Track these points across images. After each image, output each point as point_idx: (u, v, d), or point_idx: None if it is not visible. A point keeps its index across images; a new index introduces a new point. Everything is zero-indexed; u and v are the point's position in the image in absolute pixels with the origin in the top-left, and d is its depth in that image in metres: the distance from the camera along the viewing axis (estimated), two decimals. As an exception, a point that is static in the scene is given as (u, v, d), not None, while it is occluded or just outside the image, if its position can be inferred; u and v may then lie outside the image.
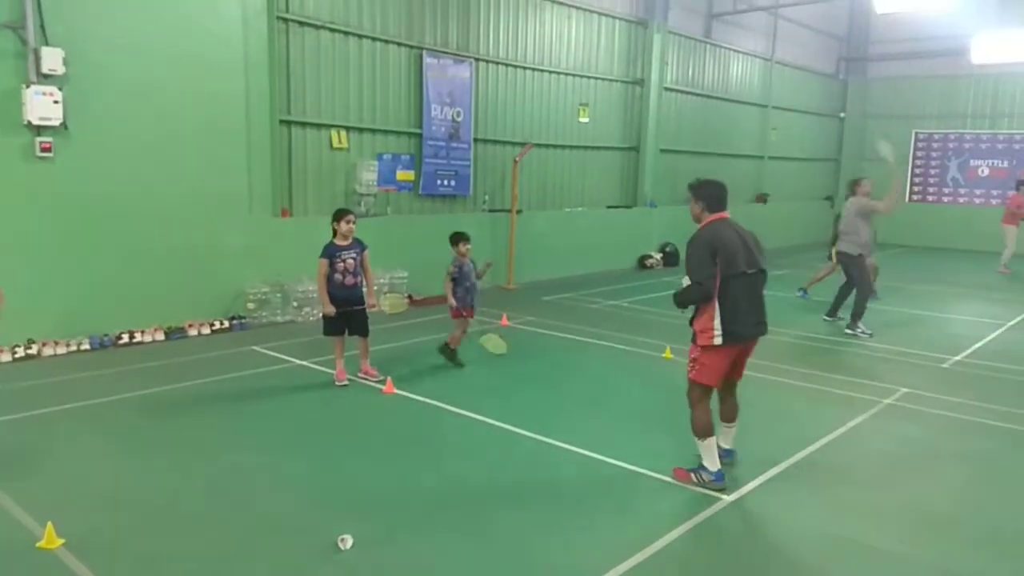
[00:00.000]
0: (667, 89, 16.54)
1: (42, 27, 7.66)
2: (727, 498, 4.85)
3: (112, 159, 8.27)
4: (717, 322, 4.78)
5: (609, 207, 15.74)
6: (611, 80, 15.39)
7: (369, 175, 10.95)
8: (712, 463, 4.96)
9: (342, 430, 6.15)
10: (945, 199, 21.86)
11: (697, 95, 17.68)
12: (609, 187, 15.88)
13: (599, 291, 12.82)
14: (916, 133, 22.03)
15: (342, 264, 7.03)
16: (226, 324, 9.24)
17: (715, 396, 5.17)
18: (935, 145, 21.88)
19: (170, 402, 6.57)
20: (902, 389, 7.40)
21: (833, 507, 4.83)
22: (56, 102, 7.69)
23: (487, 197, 13.16)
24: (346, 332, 7.19)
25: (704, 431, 4.95)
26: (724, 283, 4.77)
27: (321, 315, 7.20)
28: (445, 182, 12.39)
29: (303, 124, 10.50)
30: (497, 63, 13.09)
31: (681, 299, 4.97)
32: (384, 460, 5.45)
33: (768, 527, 4.60)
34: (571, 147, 14.81)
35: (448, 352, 7.94)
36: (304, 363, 7.89)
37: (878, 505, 4.87)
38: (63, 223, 8.02)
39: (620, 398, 7.09)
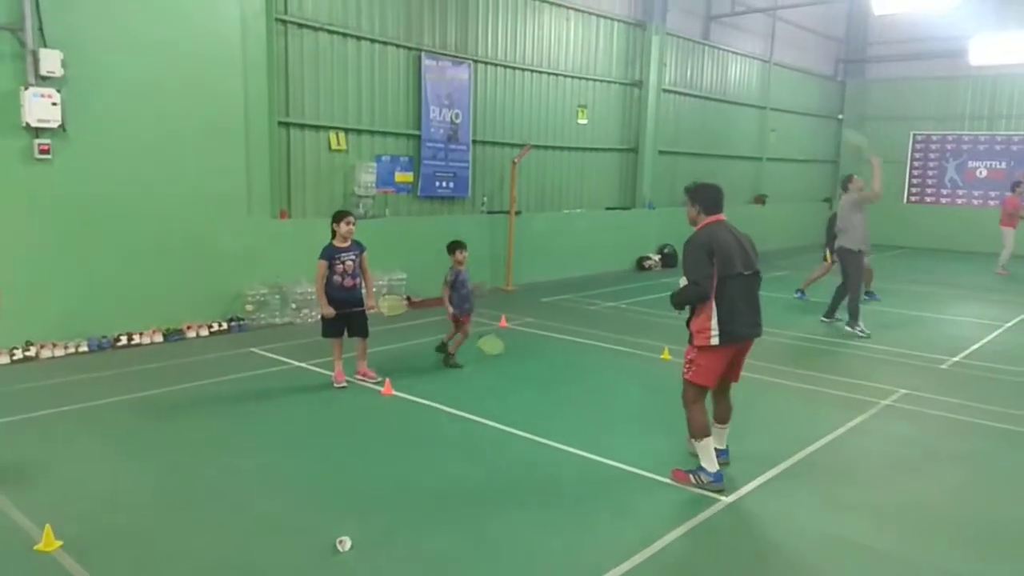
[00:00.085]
0: (665, 91, 16.56)
1: (40, 29, 7.66)
2: (725, 499, 4.85)
3: (111, 161, 8.28)
4: (714, 322, 4.82)
5: (608, 208, 15.76)
6: (609, 82, 15.41)
7: (368, 177, 10.95)
8: (710, 464, 4.96)
9: (340, 432, 6.15)
10: (943, 200, 21.89)
11: (695, 97, 17.70)
12: (608, 189, 15.89)
13: (598, 292, 12.82)
14: (914, 134, 22.06)
15: (341, 266, 7.03)
16: (225, 326, 9.24)
17: (709, 396, 5.18)
18: (933, 146, 21.91)
19: (168, 404, 6.57)
20: (900, 390, 7.40)
21: (832, 508, 4.84)
22: (54, 104, 7.69)
23: (485, 199, 13.16)
24: (345, 334, 7.19)
25: (701, 432, 4.98)
26: (721, 284, 4.82)
27: (320, 316, 7.20)
28: (444, 184, 12.39)
29: (302, 126, 10.50)
30: (496, 65, 13.10)
31: (678, 299, 5.01)
32: (382, 461, 5.45)
33: (767, 528, 4.60)
34: (570, 149, 14.82)
35: (447, 353, 8.00)
36: (303, 365, 7.89)
37: (877, 506, 4.88)
38: (61, 225, 8.02)
39: (619, 399, 7.09)
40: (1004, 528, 4.66)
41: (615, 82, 15.53)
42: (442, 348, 8.19)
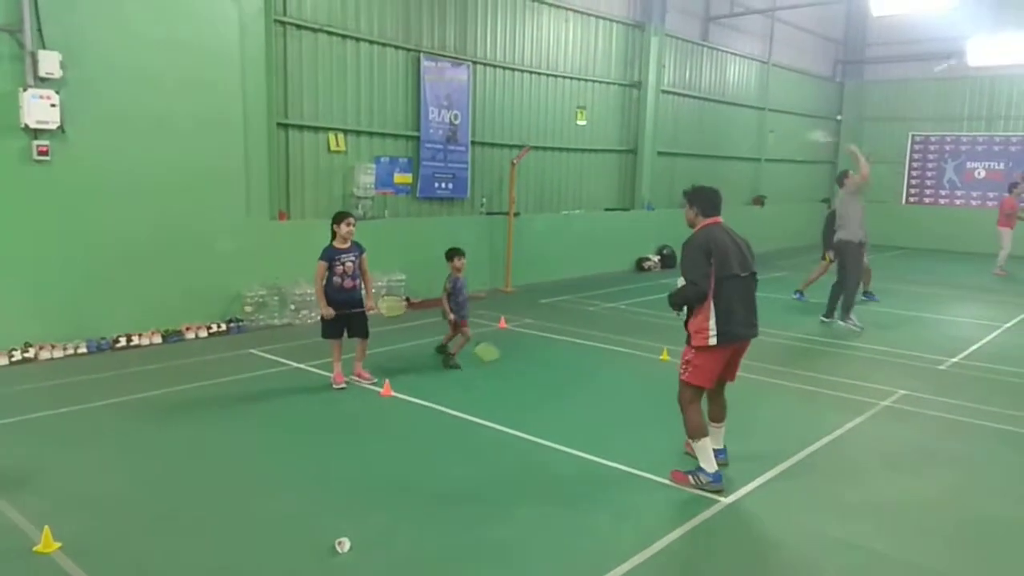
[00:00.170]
0: (664, 92, 16.57)
1: (39, 30, 7.66)
2: (725, 500, 4.86)
3: (109, 162, 8.27)
4: (712, 322, 4.86)
5: (607, 209, 15.76)
6: (608, 83, 15.41)
7: (367, 178, 10.95)
8: (709, 464, 4.97)
9: (339, 433, 6.15)
10: (942, 201, 21.92)
11: (694, 98, 17.72)
12: (606, 190, 15.90)
13: (597, 293, 12.82)
14: (913, 135, 22.09)
15: (341, 267, 7.03)
16: (223, 327, 9.24)
17: (704, 396, 5.20)
18: (932, 147, 21.94)
19: (167, 405, 6.57)
20: (900, 391, 7.41)
21: (831, 509, 4.84)
22: (53, 105, 7.69)
23: (484, 200, 13.17)
24: (344, 335, 7.19)
25: (698, 432, 5.01)
26: (718, 284, 4.87)
27: (319, 317, 7.20)
28: (443, 185, 12.39)
29: (300, 127, 10.50)
30: (495, 66, 13.11)
31: (677, 300, 5.05)
32: (381, 462, 5.45)
33: (766, 529, 4.60)
34: (568, 150, 14.83)
35: (446, 354, 8.03)
36: (301, 366, 7.88)
37: (876, 507, 4.88)
38: (60, 226, 8.01)
39: (618, 400, 7.09)
40: (1003, 529, 4.66)
41: (614, 83, 15.54)
42: (442, 349, 8.20)
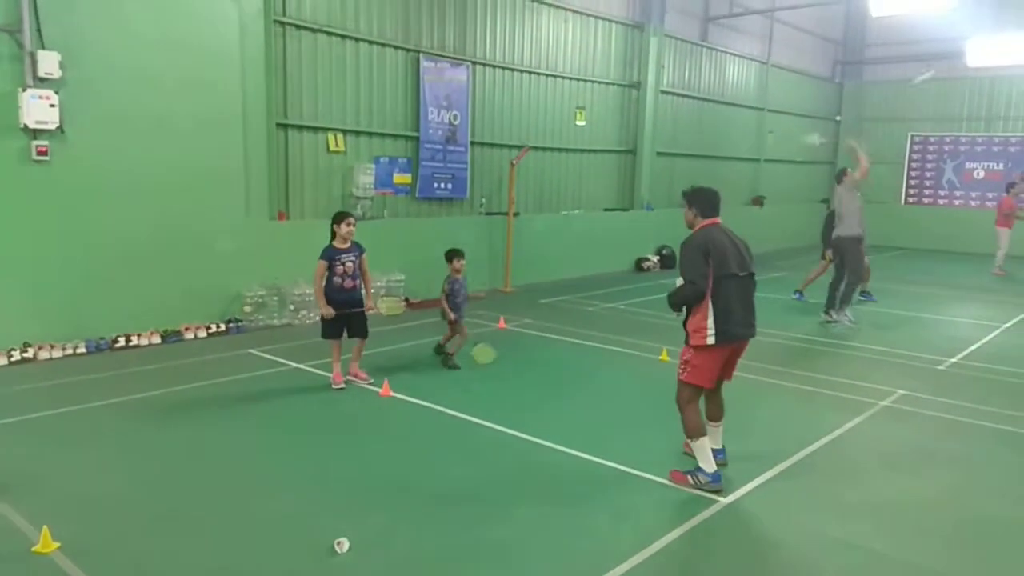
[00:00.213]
0: (663, 92, 16.57)
1: (38, 30, 7.66)
2: (724, 500, 4.86)
3: (109, 162, 8.27)
4: (710, 321, 4.89)
5: (606, 210, 15.77)
6: (608, 83, 15.42)
7: (366, 178, 10.95)
8: (708, 464, 4.98)
9: (338, 433, 6.15)
10: (941, 201, 21.93)
11: (693, 98, 17.72)
12: (606, 190, 15.90)
13: (596, 294, 12.83)
14: (912, 136, 22.10)
15: (341, 267, 7.03)
16: (222, 327, 9.24)
17: (702, 395, 5.21)
18: (931, 148, 21.95)
19: (166, 405, 6.56)
20: (899, 391, 7.41)
21: (830, 509, 4.84)
22: (52, 106, 7.69)
23: (484, 200, 13.17)
24: (344, 335, 7.19)
25: (697, 431, 5.02)
26: (716, 284, 4.89)
27: (319, 317, 7.20)
28: (442, 185, 12.39)
29: (300, 127, 10.50)
30: (494, 66, 13.11)
31: (675, 299, 5.07)
32: (380, 462, 5.45)
33: (765, 529, 4.60)
34: (568, 150, 14.83)
35: (445, 354, 8.04)
36: (301, 366, 7.88)
37: (875, 507, 4.88)
38: (59, 226, 8.01)
39: (617, 400, 7.09)
40: (1002, 529, 4.67)
41: (613, 84, 15.55)
42: (440, 350, 8.20)
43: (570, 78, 14.58)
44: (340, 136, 10.94)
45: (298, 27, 10.29)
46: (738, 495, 4.95)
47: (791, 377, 7.85)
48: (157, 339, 8.68)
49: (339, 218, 7.11)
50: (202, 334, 9.03)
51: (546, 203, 14.54)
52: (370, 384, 7.19)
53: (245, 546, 4.20)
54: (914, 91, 21.66)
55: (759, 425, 6.37)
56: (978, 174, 21.25)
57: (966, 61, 18.33)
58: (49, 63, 7.64)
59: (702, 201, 5.15)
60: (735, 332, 4.97)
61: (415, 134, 11.91)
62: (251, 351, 8.48)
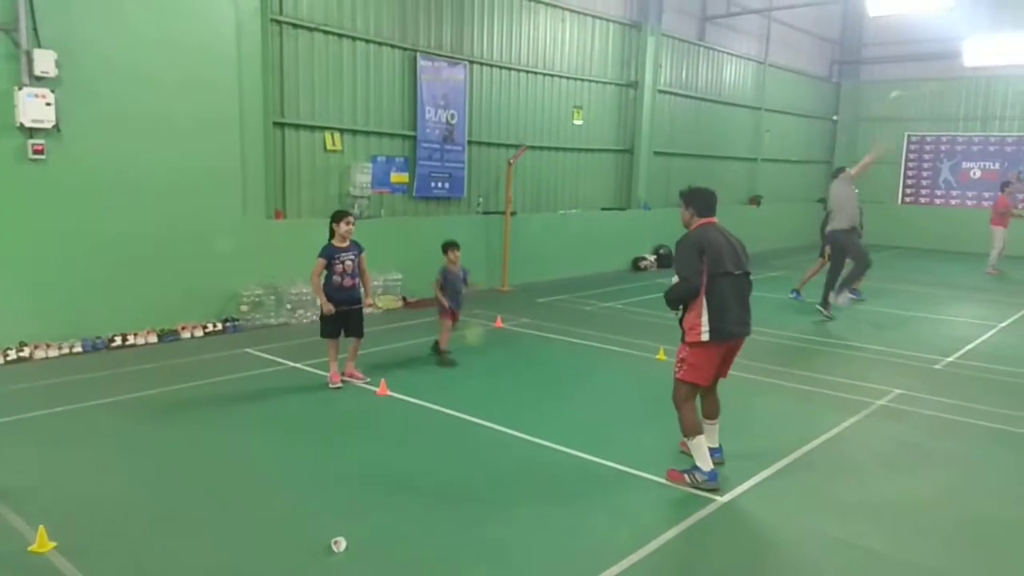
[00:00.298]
0: (661, 92, 16.58)
1: (35, 29, 7.64)
2: (720, 499, 4.86)
3: (105, 161, 8.25)
4: (705, 318, 4.92)
5: (603, 209, 15.77)
6: (605, 83, 15.42)
7: (363, 177, 10.94)
8: (705, 463, 4.99)
9: (335, 432, 6.14)
10: (937, 201, 21.97)
11: (691, 98, 17.73)
12: (603, 189, 15.91)
13: (593, 293, 12.83)
14: (908, 135, 22.14)
15: (341, 266, 7.02)
16: (219, 326, 9.22)
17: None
18: (927, 147, 21.99)
19: (163, 405, 6.55)
20: (895, 390, 7.42)
21: (827, 508, 4.85)
22: (48, 104, 7.67)
23: (481, 199, 13.16)
24: (342, 334, 7.19)
25: (693, 430, 5.04)
26: (711, 281, 4.93)
27: (318, 317, 7.19)
28: (439, 184, 12.39)
29: (297, 126, 10.49)
30: (491, 65, 13.11)
31: (671, 296, 5.11)
32: (378, 462, 5.45)
33: (762, 527, 4.60)
34: (565, 149, 14.83)
35: (439, 353, 8.07)
36: (298, 365, 7.87)
37: (873, 506, 4.89)
38: (55, 225, 7.99)
39: (614, 399, 7.10)
40: (1000, 528, 4.68)
41: (611, 83, 15.55)
42: (436, 350, 8.21)
43: (567, 77, 14.58)
44: (337, 135, 10.93)
45: (295, 26, 10.27)
46: (735, 494, 4.95)
47: (788, 376, 7.86)
48: (154, 338, 8.67)
49: (338, 216, 7.10)
50: (199, 333, 9.01)
51: (543, 202, 14.54)
52: (367, 383, 7.19)
53: (242, 545, 4.20)
54: (911, 91, 21.75)
55: (756, 424, 6.38)
56: (974, 174, 21.29)
57: (963, 61, 18.36)
58: (45, 62, 7.62)
59: (699, 201, 5.20)
60: (730, 330, 4.98)
61: (412, 133, 11.90)
62: (248, 350, 8.47)
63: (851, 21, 22.54)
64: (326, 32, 10.62)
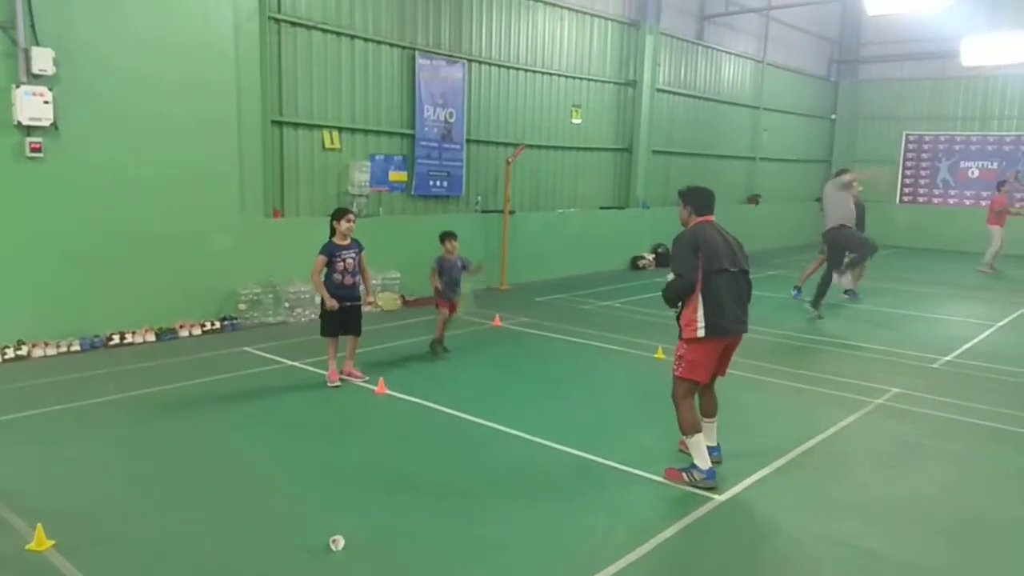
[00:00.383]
0: (659, 90, 16.58)
1: (32, 27, 7.63)
2: (718, 497, 4.87)
3: (103, 159, 8.24)
4: (700, 315, 4.95)
5: (602, 208, 15.77)
6: (603, 81, 15.42)
7: (361, 176, 10.93)
8: (703, 461, 5.00)
9: (334, 431, 6.14)
10: (935, 200, 21.99)
11: (689, 96, 17.74)
12: (602, 188, 15.91)
13: (592, 292, 12.83)
14: (907, 135, 22.15)
15: (342, 264, 7.02)
16: (217, 325, 9.22)
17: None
18: (925, 147, 22.01)
19: (161, 403, 6.55)
20: (893, 389, 7.43)
21: (825, 506, 4.85)
22: (46, 102, 7.66)
23: (479, 198, 13.16)
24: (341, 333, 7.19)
25: (692, 428, 5.04)
26: (707, 278, 4.96)
27: (319, 315, 7.19)
28: (437, 183, 12.38)
29: (295, 125, 10.48)
30: (490, 64, 13.10)
31: (667, 293, 5.14)
32: (376, 460, 5.45)
33: (759, 526, 4.61)
34: (564, 148, 14.83)
35: (433, 343, 8.18)
36: (296, 364, 7.87)
37: (870, 504, 4.89)
38: (53, 223, 7.98)
39: (612, 398, 7.10)
40: (998, 527, 4.68)
41: (609, 82, 15.55)
42: (433, 348, 8.23)
43: (566, 76, 14.58)
44: (335, 133, 10.92)
45: (293, 24, 10.26)
46: (733, 492, 4.96)
47: (786, 375, 7.86)
48: (152, 337, 8.66)
49: (339, 214, 7.10)
50: (197, 332, 9.01)
51: (542, 201, 14.54)
52: (365, 382, 7.19)
53: (240, 544, 4.20)
54: (909, 90, 21.80)
55: (754, 422, 6.39)
56: (972, 173, 21.31)
57: (961, 60, 18.37)
58: (43, 60, 7.61)
59: (697, 200, 5.24)
60: (726, 326, 5.00)
61: (411, 132, 11.90)
62: (246, 349, 8.46)
63: (849, 20, 22.55)
64: (324, 30, 10.61)
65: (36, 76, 7.65)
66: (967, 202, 21.39)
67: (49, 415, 6.18)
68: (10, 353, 7.69)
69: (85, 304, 8.24)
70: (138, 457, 5.40)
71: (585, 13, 14.76)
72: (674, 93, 17.23)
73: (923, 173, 22.11)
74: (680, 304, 5.10)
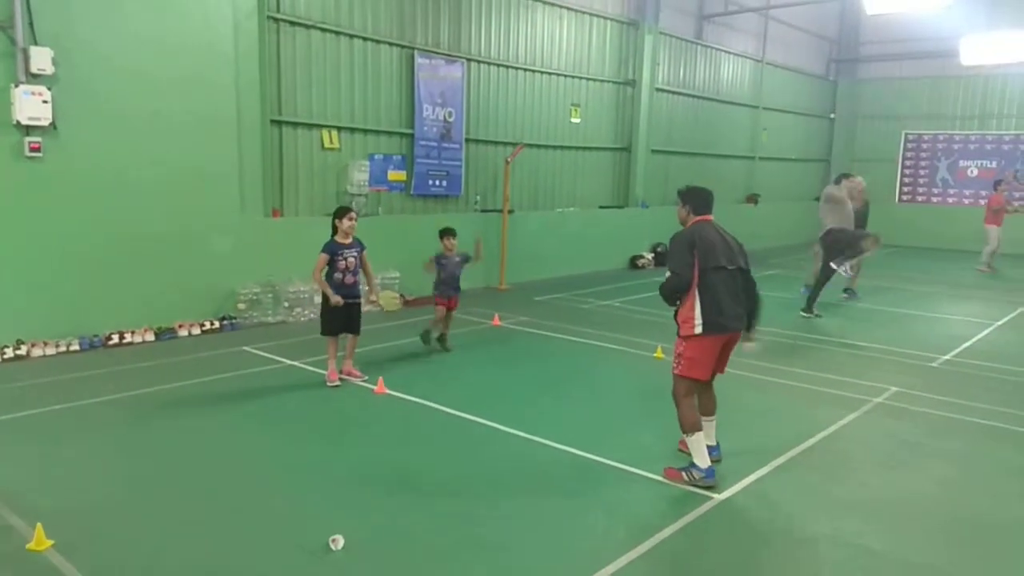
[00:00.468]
0: (658, 90, 16.58)
1: (31, 26, 7.62)
2: (718, 496, 4.87)
3: (102, 159, 8.24)
4: (697, 311, 4.98)
5: (601, 207, 15.77)
6: (603, 81, 15.42)
7: (360, 175, 10.93)
8: (702, 460, 5.00)
9: (333, 430, 6.14)
10: (935, 199, 22.00)
11: (688, 96, 17.74)
12: (601, 187, 15.91)
13: (591, 291, 12.83)
14: (906, 134, 22.16)
15: (343, 263, 7.02)
16: (216, 324, 9.21)
17: None
18: (924, 146, 22.01)
19: (160, 403, 6.54)
20: (893, 388, 7.44)
21: (824, 505, 4.86)
22: (45, 102, 7.66)
23: (479, 197, 13.16)
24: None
25: (692, 427, 5.05)
26: (703, 275, 4.98)
27: (319, 314, 7.18)
28: (437, 182, 12.38)
29: (294, 124, 10.48)
30: (489, 63, 13.10)
31: (664, 290, 5.17)
32: (375, 460, 5.45)
33: (759, 525, 4.61)
34: (563, 147, 14.83)
35: (429, 336, 8.30)
36: (295, 363, 7.87)
37: (870, 503, 4.90)
38: (52, 223, 7.97)
39: (612, 398, 7.10)
40: (997, 526, 4.69)
41: (608, 81, 15.55)
42: (440, 340, 8.25)
43: (565, 75, 14.58)
44: (335, 133, 10.92)
45: (292, 23, 10.26)
46: (732, 491, 4.96)
47: (785, 373, 7.87)
48: (151, 336, 8.66)
49: (341, 213, 7.10)
50: (196, 331, 9.01)
51: (541, 200, 14.54)
52: (364, 381, 7.19)
53: (240, 543, 4.20)
54: (908, 89, 21.80)
55: (753, 421, 6.39)
56: (971, 172, 21.32)
57: (960, 59, 18.38)
58: (42, 59, 7.61)
59: (695, 199, 5.28)
60: (724, 323, 5.02)
61: (410, 131, 11.89)
62: (245, 348, 8.46)
63: (849, 19, 22.55)
64: (323, 30, 10.61)
65: (35, 75, 7.64)
66: (966, 201, 21.39)
67: (48, 415, 6.18)
68: (9, 353, 7.69)
69: (84, 304, 8.24)
70: (137, 457, 5.40)
71: (584, 12, 14.76)
72: (673, 92, 17.23)
73: (922, 172, 22.12)
74: (678, 302, 5.12)
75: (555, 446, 5.68)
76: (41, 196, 7.87)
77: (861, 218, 12.15)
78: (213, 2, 8.98)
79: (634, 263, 15.95)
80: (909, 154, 22.25)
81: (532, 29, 13.81)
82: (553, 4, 14.08)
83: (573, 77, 14.76)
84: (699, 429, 5.05)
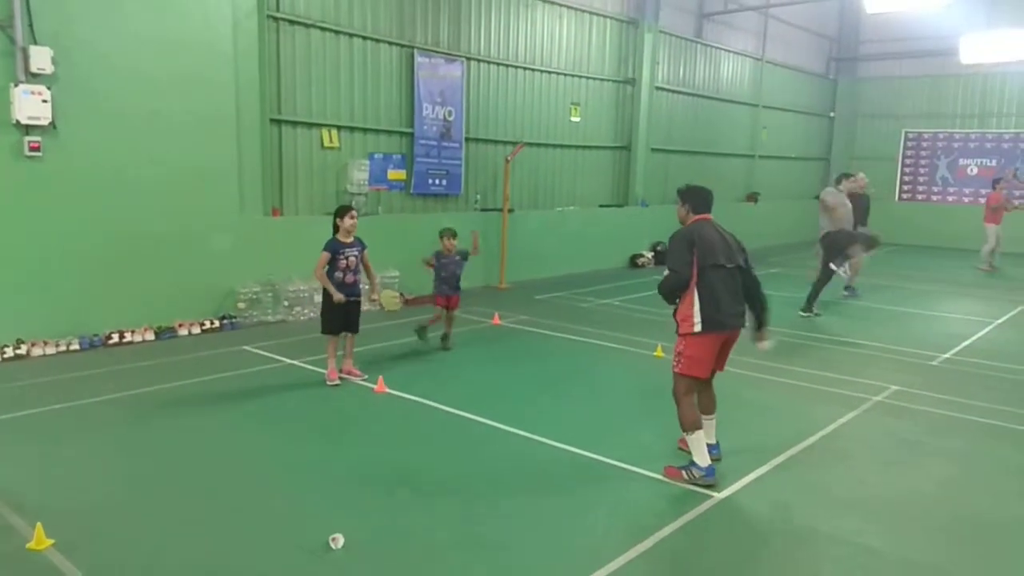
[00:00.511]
0: (658, 88, 16.58)
1: (31, 26, 7.62)
2: (717, 494, 4.87)
3: (101, 158, 8.24)
4: (696, 309, 4.98)
5: (601, 206, 15.77)
6: (602, 79, 15.42)
7: (360, 174, 10.93)
8: (702, 459, 5.00)
9: (333, 429, 6.15)
10: (934, 198, 21.99)
11: (688, 94, 17.73)
12: (600, 186, 15.91)
13: (591, 290, 12.83)
14: (906, 132, 22.15)
15: (344, 261, 7.02)
16: (216, 324, 9.21)
17: None
18: (924, 144, 22.01)
19: (160, 402, 6.55)
20: (892, 386, 7.44)
21: (824, 503, 4.86)
22: (45, 101, 7.65)
23: (479, 196, 13.16)
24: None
25: (692, 425, 5.05)
26: (702, 273, 4.99)
27: (320, 313, 7.19)
28: (436, 181, 12.38)
29: (294, 123, 10.48)
30: (488, 62, 13.09)
31: (663, 288, 5.17)
32: (375, 459, 5.45)
33: (758, 523, 4.62)
34: (563, 146, 14.83)
35: (420, 330, 8.38)
36: (295, 362, 7.87)
37: (869, 501, 4.90)
38: (52, 222, 7.97)
39: (611, 396, 7.10)
40: (996, 524, 4.69)
41: (608, 80, 15.54)
42: (419, 333, 8.32)
43: (565, 74, 14.57)
44: (334, 132, 10.92)
45: (292, 22, 10.26)
46: (732, 490, 4.96)
47: (785, 372, 7.87)
48: (151, 335, 8.66)
49: (342, 211, 7.10)
50: (196, 330, 9.01)
51: (541, 199, 14.54)
52: (364, 380, 7.19)
53: (240, 542, 4.20)
54: (908, 88, 21.80)
55: (753, 420, 6.39)
56: (971, 170, 21.31)
57: (960, 58, 18.37)
58: (41, 59, 7.60)
59: (695, 198, 5.29)
60: (723, 322, 5.02)
61: (409, 130, 11.89)
62: (245, 347, 8.46)
63: (848, 18, 22.54)
64: (323, 29, 10.60)
65: (34, 75, 7.64)
66: (966, 199, 21.39)
67: (48, 414, 6.18)
68: (9, 352, 7.69)
69: (84, 303, 8.24)
70: (137, 456, 5.41)
71: (584, 11, 14.75)
72: (673, 91, 17.23)
73: (922, 171, 22.12)
74: (677, 300, 5.12)
75: (555, 445, 5.68)
76: (41, 195, 7.87)
77: (863, 212, 12.18)
78: (213, 1, 8.98)
79: (634, 262, 15.95)
80: (909, 152, 22.25)
81: (532, 28, 13.80)
82: (553, 3, 14.07)
83: (573, 76, 14.75)
84: (699, 427, 5.06)
